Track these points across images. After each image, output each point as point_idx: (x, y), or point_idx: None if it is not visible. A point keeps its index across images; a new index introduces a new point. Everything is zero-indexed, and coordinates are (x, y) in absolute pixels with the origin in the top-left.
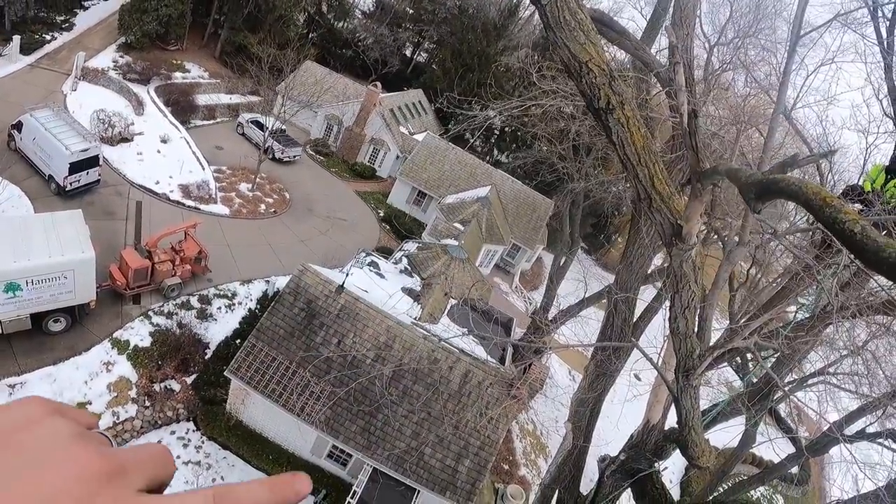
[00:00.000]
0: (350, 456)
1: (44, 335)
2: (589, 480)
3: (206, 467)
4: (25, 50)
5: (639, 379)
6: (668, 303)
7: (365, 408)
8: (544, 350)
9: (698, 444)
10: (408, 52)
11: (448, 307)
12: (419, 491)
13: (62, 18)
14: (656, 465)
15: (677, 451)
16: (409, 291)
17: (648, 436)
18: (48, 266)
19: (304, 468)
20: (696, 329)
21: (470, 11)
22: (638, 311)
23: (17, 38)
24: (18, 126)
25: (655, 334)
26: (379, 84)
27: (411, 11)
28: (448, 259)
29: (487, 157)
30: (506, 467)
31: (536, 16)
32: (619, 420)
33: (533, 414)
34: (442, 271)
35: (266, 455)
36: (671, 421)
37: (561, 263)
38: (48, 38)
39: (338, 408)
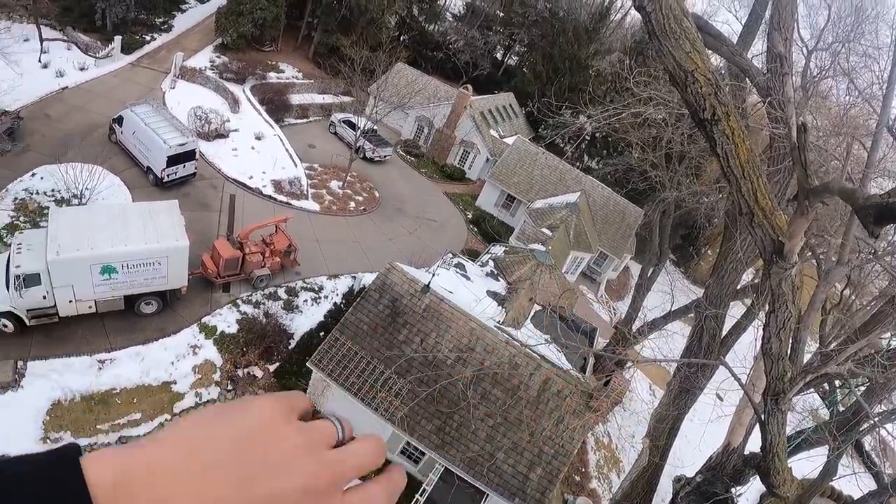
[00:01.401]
0: (423, 454)
1: (135, 316)
2: (661, 500)
3: None
4: (126, 49)
5: (721, 399)
6: (760, 321)
7: (442, 408)
8: (627, 362)
9: (781, 472)
10: (498, 56)
11: (532, 313)
12: (488, 495)
13: (161, 20)
14: (733, 490)
15: (755, 477)
16: (494, 295)
17: (728, 459)
18: (143, 252)
19: None
20: (789, 351)
21: (560, 14)
22: (726, 328)
23: (118, 39)
24: (119, 120)
25: (744, 353)
26: (470, 87)
27: (501, 14)
28: (535, 264)
29: (577, 163)
30: (577, 478)
31: (628, 18)
32: (698, 440)
33: (610, 427)
34: (528, 276)
35: None
36: (751, 445)
37: (648, 274)
38: (148, 38)
39: (415, 406)
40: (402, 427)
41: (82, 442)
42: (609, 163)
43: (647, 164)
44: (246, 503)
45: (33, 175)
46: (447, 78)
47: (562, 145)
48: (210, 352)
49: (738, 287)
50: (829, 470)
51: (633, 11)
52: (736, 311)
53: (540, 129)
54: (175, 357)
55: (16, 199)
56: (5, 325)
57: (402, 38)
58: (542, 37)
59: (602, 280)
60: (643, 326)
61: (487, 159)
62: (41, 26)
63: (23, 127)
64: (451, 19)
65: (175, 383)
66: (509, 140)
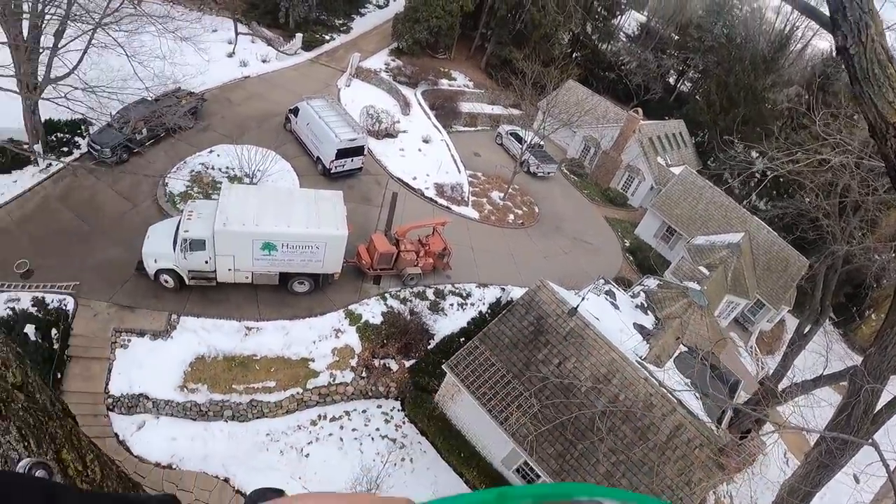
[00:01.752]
0: (538, 476)
1: (287, 293)
2: None
3: (399, 446)
4: (306, 47)
5: (857, 481)
6: None
7: (567, 435)
8: (766, 422)
9: None
10: (671, 80)
11: (677, 353)
12: None
13: (340, 22)
14: None
15: None
16: (640, 328)
17: None
18: (304, 235)
19: (491, 476)
20: None
21: (737, 41)
22: (881, 403)
23: (299, 36)
24: (295, 111)
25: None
26: (640, 110)
27: (676, 38)
28: (687, 303)
29: (745, 202)
30: None
31: (809, 49)
32: None
33: (734, 488)
34: (678, 315)
35: (458, 452)
36: None
37: (805, 331)
38: (327, 38)
39: (541, 427)
40: (523, 445)
41: (216, 398)
42: (778, 205)
43: (820, 211)
44: None
45: (211, 152)
46: (617, 99)
47: (730, 181)
48: (352, 338)
49: None
50: None
51: (815, 41)
52: (892, 386)
53: (709, 162)
54: (318, 337)
55: (192, 171)
56: (167, 281)
57: (574, 56)
58: (717, 64)
59: (755, 330)
60: (791, 387)
61: (652, 187)
62: (235, 21)
63: (205, 108)
64: (624, 39)
65: (313, 361)
66: (676, 170)
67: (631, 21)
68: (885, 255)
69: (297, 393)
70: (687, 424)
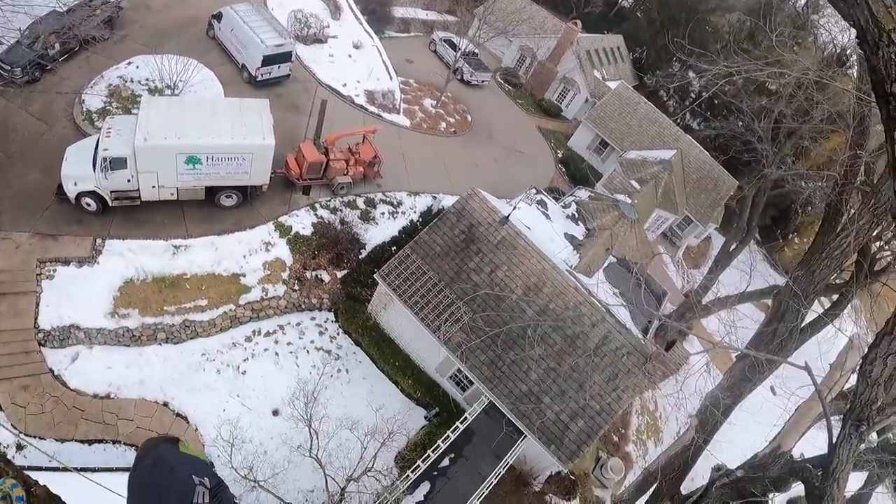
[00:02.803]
0: (471, 383)
1: (214, 208)
2: (690, 479)
3: (335, 357)
4: None
5: (774, 393)
6: (840, 330)
7: (499, 342)
8: (689, 334)
9: (836, 500)
10: None
11: (606, 264)
12: (525, 436)
13: None
14: (771, 495)
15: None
16: (571, 238)
17: (774, 462)
18: (229, 147)
19: (425, 383)
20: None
21: None
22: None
23: None
24: (219, 16)
25: (814, 354)
26: (579, 23)
27: None
28: (618, 215)
29: (678, 120)
30: (615, 439)
31: None
32: (743, 432)
33: (659, 395)
34: (608, 226)
35: (393, 361)
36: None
37: (730, 249)
38: None
39: (472, 335)
40: (456, 353)
41: (148, 321)
42: (712, 126)
43: (754, 135)
44: None
45: (129, 63)
46: (556, 10)
47: (665, 99)
48: (282, 251)
49: (828, 284)
50: (861, 498)
51: None
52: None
53: (645, 78)
54: (248, 251)
55: (110, 85)
56: (88, 204)
57: None
58: None
59: (682, 245)
60: (714, 300)
61: (587, 100)
62: None
63: (122, 17)
64: None
65: (244, 276)
66: (612, 84)
67: None
68: (814, 184)
69: (230, 310)
70: (615, 333)
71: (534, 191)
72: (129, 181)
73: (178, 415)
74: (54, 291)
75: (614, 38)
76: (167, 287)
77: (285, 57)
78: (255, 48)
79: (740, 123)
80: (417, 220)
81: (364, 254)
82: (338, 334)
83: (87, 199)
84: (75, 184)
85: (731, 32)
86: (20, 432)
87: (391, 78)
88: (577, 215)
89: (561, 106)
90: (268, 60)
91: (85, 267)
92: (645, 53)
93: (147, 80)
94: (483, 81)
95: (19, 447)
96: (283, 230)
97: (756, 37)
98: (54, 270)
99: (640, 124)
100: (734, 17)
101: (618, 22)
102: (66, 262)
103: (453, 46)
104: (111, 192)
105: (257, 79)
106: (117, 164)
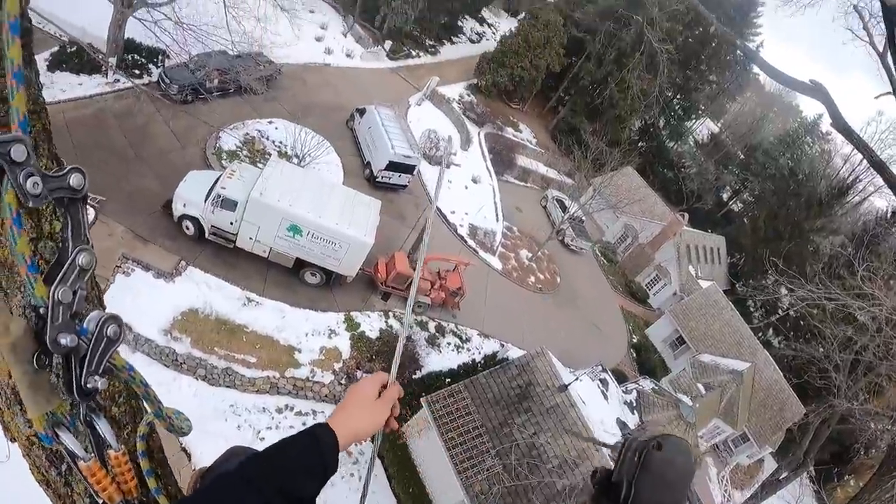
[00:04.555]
0: None
1: (296, 280)
2: None
3: (353, 460)
4: (391, 55)
5: None
6: None
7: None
8: None
9: None
10: (724, 195)
11: None
12: None
13: (431, 43)
14: None
15: None
16: (622, 426)
17: None
18: (332, 231)
19: None
20: None
21: (799, 176)
22: None
23: (388, 43)
24: (361, 111)
25: None
26: (686, 215)
27: (742, 156)
28: (675, 415)
29: (760, 333)
30: None
31: (865, 205)
32: None
33: None
34: (662, 424)
35: (408, 487)
36: None
37: (781, 477)
38: (414, 54)
39: (496, 487)
40: (474, 502)
41: (195, 353)
42: (792, 346)
43: (832, 363)
44: (368, 422)
45: (270, 122)
46: (668, 198)
47: (752, 310)
48: (343, 343)
49: None
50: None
51: (874, 198)
52: None
53: (738, 286)
54: (311, 330)
55: (247, 134)
56: (187, 227)
57: (640, 144)
58: (773, 193)
59: (732, 462)
60: None
61: (675, 293)
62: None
63: (279, 80)
64: (692, 143)
65: (299, 352)
66: (704, 283)
67: (703, 128)
68: (882, 425)
69: (274, 377)
70: None
71: (599, 367)
72: (231, 224)
73: (183, 449)
74: (124, 288)
75: (716, 239)
76: (225, 331)
77: (408, 168)
78: (384, 151)
79: (821, 349)
80: (480, 362)
81: (418, 375)
82: (364, 440)
83: (188, 223)
84: (184, 205)
85: (831, 255)
86: None
87: (497, 219)
88: (634, 404)
89: (649, 293)
90: (392, 166)
91: (161, 280)
92: (743, 260)
93: (281, 142)
94: (581, 249)
95: None
96: (351, 325)
97: (854, 265)
98: (132, 269)
99: (721, 329)
100: (837, 240)
101: (723, 223)
102: (147, 268)
103: (563, 207)
104: (212, 226)
105: (377, 179)
106: (227, 204)
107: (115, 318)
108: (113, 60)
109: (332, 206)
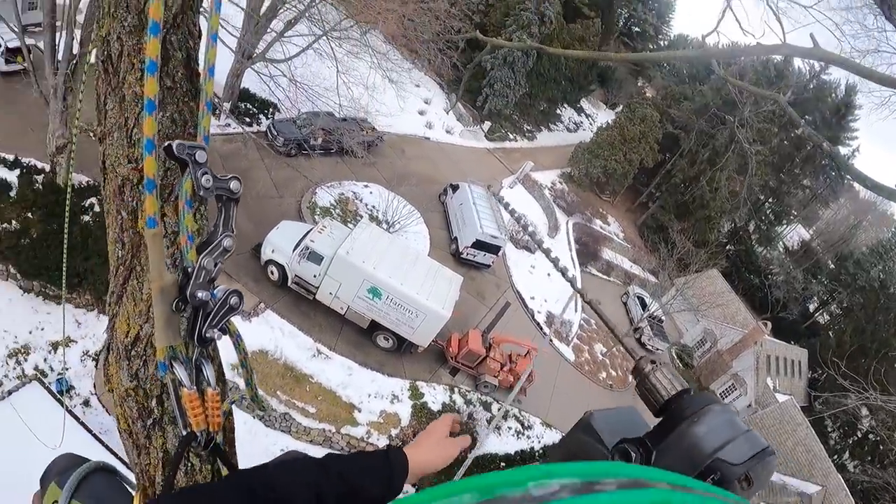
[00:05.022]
0: None
1: (368, 341)
2: None
3: None
4: (489, 136)
5: None
6: None
7: None
8: None
9: None
10: (811, 306)
11: None
12: None
13: (528, 128)
14: None
15: None
16: None
17: None
18: (411, 299)
19: None
20: None
21: (891, 290)
22: None
23: (487, 124)
24: (455, 187)
25: None
26: (769, 324)
27: (832, 266)
28: None
29: (835, 456)
30: None
31: None
32: None
33: None
34: None
35: None
36: None
37: None
38: (511, 137)
39: None
40: None
41: (258, 393)
42: (868, 473)
43: None
44: (438, 454)
45: (366, 186)
46: (752, 305)
47: (829, 429)
48: (404, 410)
49: None
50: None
51: None
52: None
53: (817, 402)
54: (374, 392)
55: (342, 194)
56: (272, 272)
57: (727, 247)
58: (861, 306)
59: None
60: None
61: (749, 405)
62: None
63: (380, 147)
64: (781, 250)
65: (359, 411)
66: (781, 397)
67: (794, 234)
68: None
69: (329, 431)
70: None
71: None
72: (314, 276)
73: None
74: None
75: (798, 352)
76: (291, 377)
77: (494, 249)
78: (472, 229)
79: None
80: (538, 451)
81: (473, 453)
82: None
83: (273, 269)
84: (272, 251)
85: None
86: None
87: (576, 310)
88: None
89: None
90: (478, 245)
91: (238, 318)
92: (825, 376)
93: (373, 207)
94: (658, 349)
95: None
96: (415, 394)
97: None
98: None
99: (794, 448)
100: None
101: (808, 335)
102: None
103: (643, 305)
104: (295, 275)
105: (461, 255)
106: (314, 258)
107: (238, 293)
108: (227, 105)
109: (415, 275)
